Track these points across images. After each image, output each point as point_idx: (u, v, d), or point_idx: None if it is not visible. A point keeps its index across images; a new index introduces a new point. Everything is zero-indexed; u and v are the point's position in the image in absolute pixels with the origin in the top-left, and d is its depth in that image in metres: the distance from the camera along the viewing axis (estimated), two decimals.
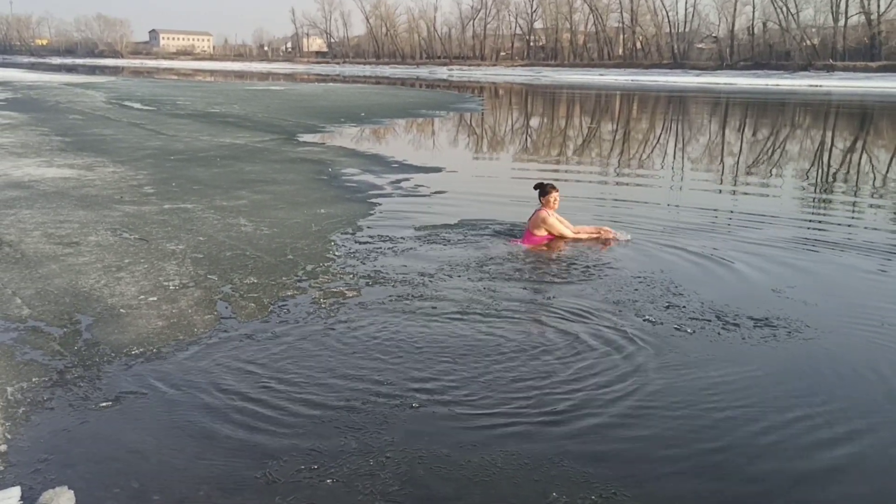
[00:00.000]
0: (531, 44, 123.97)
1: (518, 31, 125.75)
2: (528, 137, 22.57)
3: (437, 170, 13.31)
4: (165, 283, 6.06)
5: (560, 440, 3.73)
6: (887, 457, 3.72)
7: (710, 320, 5.49)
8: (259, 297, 5.81)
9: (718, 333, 5.24)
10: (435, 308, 5.63)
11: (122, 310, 5.43)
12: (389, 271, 6.54)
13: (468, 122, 26.96)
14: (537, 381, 4.38)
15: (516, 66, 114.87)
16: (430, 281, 6.27)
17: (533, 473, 3.43)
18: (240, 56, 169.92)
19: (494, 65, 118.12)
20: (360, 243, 7.53)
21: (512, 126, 26.71)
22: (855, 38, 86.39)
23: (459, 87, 60.73)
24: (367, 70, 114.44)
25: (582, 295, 6.01)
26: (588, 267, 6.83)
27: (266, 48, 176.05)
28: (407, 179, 11.95)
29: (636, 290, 6.15)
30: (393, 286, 6.13)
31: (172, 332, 5.05)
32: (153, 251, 7.06)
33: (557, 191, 7.84)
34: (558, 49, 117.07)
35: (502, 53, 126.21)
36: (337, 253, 7.12)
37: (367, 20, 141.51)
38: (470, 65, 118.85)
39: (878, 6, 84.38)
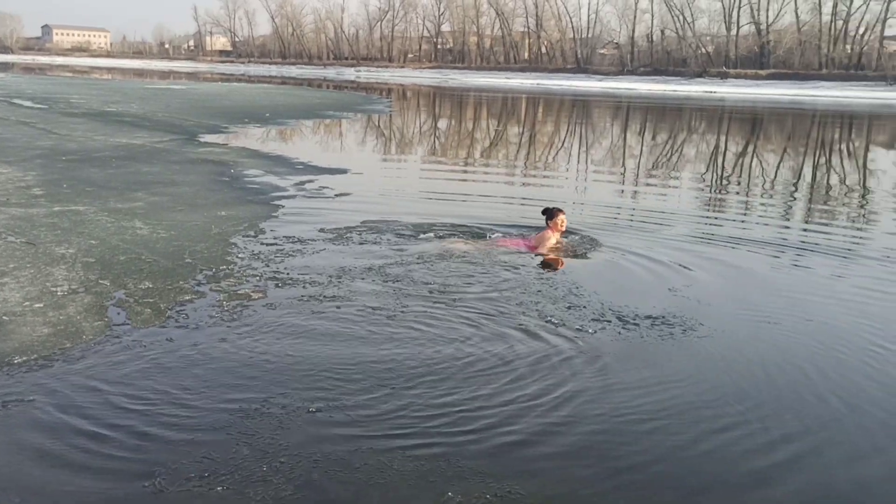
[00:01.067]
0: (439, 46, 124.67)
1: (426, 33, 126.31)
2: (437, 139, 22.67)
3: (343, 171, 13.21)
4: (53, 289, 5.79)
5: (457, 440, 3.74)
6: (823, 457, 3.81)
7: (610, 320, 5.60)
8: (155, 302, 5.62)
9: (619, 333, 5.35)
10: (339, 309, 5.57)
11: (4, 317, 5.16)
12: (293, 273, 6.43)
13: (376, 123, 26.87)
14: (435, 382, 4.39)
15: (424, 68, 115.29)
16: (334, 283, 6.20)
17: (430, 474, 3.43)
18: (139, 54, 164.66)
19: (402, 66, 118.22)
20: (264, 245, 7.38)
21: (420, 128, 26.78)
22: (746, 46, 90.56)
23: (367, 88, 60.49)
24: (274, 70, 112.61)
25: (485, 296, 6.05)
26: (492, 267, 6.87)
27: (167, 46, 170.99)
28: (312, 181, 11.81)
29: (539, 290, 6.23)
30: (297, 288, 6.03)
31: (59, 340, 4.82)
32: (41, 255, 6.74)
33: (564, 213, 7.86)
34: (465, 52, 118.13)
35: (410, 55, 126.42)
36: (239, 255, 6.96)
37: (273, 19, 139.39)
38: (378, 66, 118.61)
39: (767, 17, 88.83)
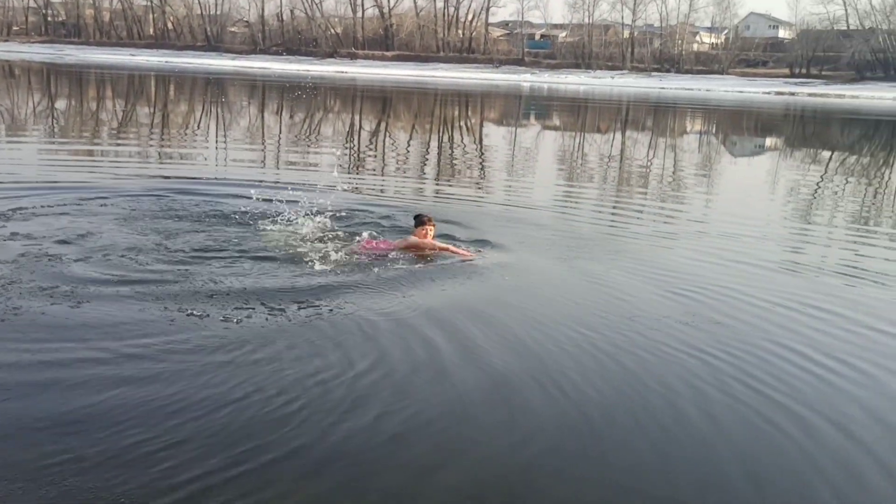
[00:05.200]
0: (49, 18, 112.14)
1: (32, 4, 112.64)
2: (55, 121, 20.33)
3: None
4: None
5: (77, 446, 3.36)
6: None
7: (254, 307, 5.39)
8: None
9: (266, 319, 5.18)
10: None
11: None
12: None
13: None
14: (60, 392, 3.90)
15: (34, 42, 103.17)
16: None
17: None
18: None
19: (6, 41, 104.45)
20: None
21: (34, 109, 23.82)
22: (372, 28, 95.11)
23: None
24: None
25: (114, 293, 5.51)
26: (119, 259, 6.28)
27: None
28: None
29: (176, 282, 5.77)
30: None
31: None
32: None
33: (434, 225, 7.36)
34: (81, 26, 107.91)
35: (16, 28, 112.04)
36: None
37: None
38: None
39: (389, 1, 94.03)
